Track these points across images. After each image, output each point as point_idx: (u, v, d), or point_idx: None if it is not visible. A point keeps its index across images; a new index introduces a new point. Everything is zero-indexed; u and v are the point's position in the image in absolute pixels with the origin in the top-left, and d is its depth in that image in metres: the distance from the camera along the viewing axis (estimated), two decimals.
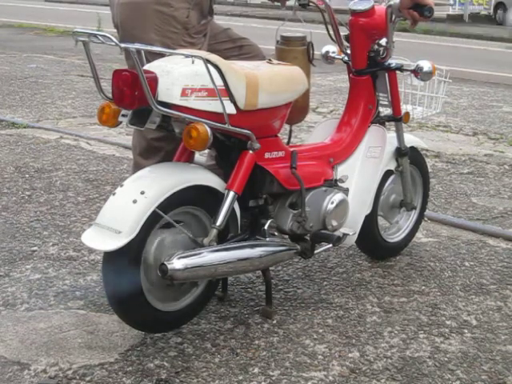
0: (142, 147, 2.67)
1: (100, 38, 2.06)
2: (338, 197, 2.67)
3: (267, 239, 2.47)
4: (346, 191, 2.74)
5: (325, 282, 2.87)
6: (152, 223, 2.20)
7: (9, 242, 3.16)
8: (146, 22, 2.48)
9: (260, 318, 2.56)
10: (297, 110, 2.64)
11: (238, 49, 2.79)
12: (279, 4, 2.87)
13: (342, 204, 2.68)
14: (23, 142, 4.94)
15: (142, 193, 2.17)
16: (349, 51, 2.83)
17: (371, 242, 3.00)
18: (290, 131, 2.88)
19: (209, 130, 2.17)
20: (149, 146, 2.63)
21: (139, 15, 2.49)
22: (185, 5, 2.49)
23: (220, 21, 2.86)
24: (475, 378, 2.24)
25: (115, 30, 2.63)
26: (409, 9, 2.65)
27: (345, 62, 2.88)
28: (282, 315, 2.58)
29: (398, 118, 2.92)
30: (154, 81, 2.14)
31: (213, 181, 2.36)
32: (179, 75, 2.17)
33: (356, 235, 2.77)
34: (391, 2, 2.68)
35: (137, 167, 2.58)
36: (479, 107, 6.88)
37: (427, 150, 4.76)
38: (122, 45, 2.08)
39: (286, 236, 2.64)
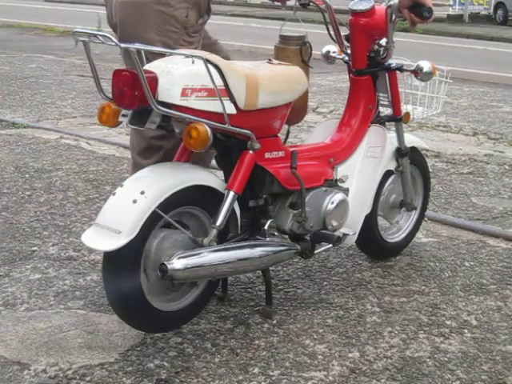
0: (141, 147, 2.67)
1: (100, 37, 2.06)
2: (338, 197, 2.67)
3: (267, 239, 2.47)
4: (346, 191, 2.74)
5: (325, 282, 2.87)
6: (152, 223, 2.20)
7: (9, 242, 3.16)
8: (147, 22, 2.48)
9: (260, 318, 2.56)
10: (295, 110, 2.64)
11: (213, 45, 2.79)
12: (279, 4, 2.88)
13: (342, 204, 2.68)
14: (23, 142, 4.94)
15: (142, 193, 2.17)
16: (349, 51, 2.83)
17: (371, 242, 3.00)
18: (288, 132, 2.88)
19: (209, 130, 2.17)
20: (148, 146, 2.63)
21: (139, 15, 2.48)
22: (184, 4, 2.49)
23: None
24: (475, 378, 2.24)
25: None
26: (408, 9, 2.65)
27: (345, 62, 2.88)
28: (281, 315, 2.58)
29: (398, 118, 2.92)
30: (154, 81, 2.14)
31: (213, 181, 2.36)
32: (179, 75, 2.17)
33: (356, 235, 2.77)
34: (391, 2, 2.68)
35: (136, 167, 2.58)
36: (479, 107, 6.88)
37: (427, 150, 4.76)
38: (122, 45, 2.08)
39: (286, 236, 2.64)
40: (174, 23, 2.49)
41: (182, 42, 2.50)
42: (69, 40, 10.23)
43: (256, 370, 2.23)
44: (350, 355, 2.34)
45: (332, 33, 2.81)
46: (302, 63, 2.72)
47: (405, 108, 2.98)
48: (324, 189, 2.67)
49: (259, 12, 19.62)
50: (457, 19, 19.21)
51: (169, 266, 2.17)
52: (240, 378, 2.19)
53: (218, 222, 2.30)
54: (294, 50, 2.73)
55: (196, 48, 2.53)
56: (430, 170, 3.50)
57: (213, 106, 2.21)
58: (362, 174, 2.81)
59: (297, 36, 2.76)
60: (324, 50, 2.97)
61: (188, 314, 2.43)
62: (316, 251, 2.72)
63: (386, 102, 2.90)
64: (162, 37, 2.48)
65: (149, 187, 2.21)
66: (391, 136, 2.90)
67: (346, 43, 2.83)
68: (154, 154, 2.62)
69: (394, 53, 2.81)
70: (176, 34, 2.50)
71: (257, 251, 2.40)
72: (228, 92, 2.23)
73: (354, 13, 2.74)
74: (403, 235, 3.15)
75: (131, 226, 2.13)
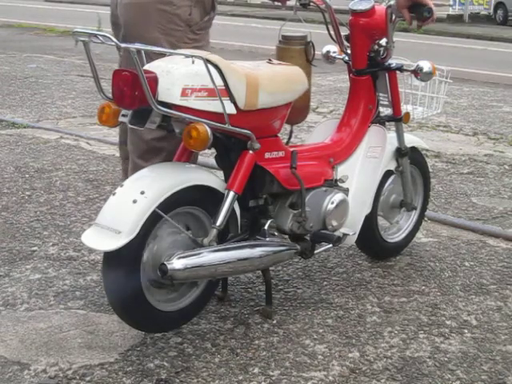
0: (141, 149, 2.64)
1: (100, 37, 2.06)
2: (338, 197, 2.67)
3: (267, 239, 2.47)
4: (346, 191, 2.74)
5: (325, 282, 2.87)
6: (152, 223, 2.20)
7: (9, 242, 3.16)
8: (150, 22, 2.48)
9: (260, 318, 2.56)
10: (297, 110, 2.64)
11: None
12: (280, 4, 2.88)
13: (342, 204, 2.68)
14: (23, 142, 4.94)
15: (142, 193, 2.17)
16: (349, 51, 2.83)
17: (371, 242, 3.00)
18: (291, 132, 2.88)
19: (209, 130, 2.17)
20: (149, 148, 2.61)
21: (143, 15, 2.49)
22: (187, 2, 2.50)
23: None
24: (475, 378, 2.24)
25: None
26: (408, 9, 2.64)
27: (345, 62, 2.88)
28: (282, 315, 2.58)
29: (398, 118, 2.92)
30: (154, 81, 2.14)
31: (213, 181, 2.36)
32: (179, 75, 2.17)
33: (356, 235, 2.77)
34: (391, 2, 2.68)
35: (136, 170, 2.53)
36: (479, 107, 6.88)
37: (427, 150, 4.75)
38: (122, 45, 2.08)
39: (286, 236, 2.64)
40: (178, 21, 2.50)
41: (186, 40, 2.51)
42: (69, 40, 10.24)
43: (256, 370, 2.23)
44: (350, 355, 2.34)
45: (332, 33, 2.81)
46: (306, 63, 2.72)
47: (405, 108, 2.98)
48: (324, 189, 2.67)
49: (259, 12, 19.62)
50: (457, 19, 19.21)
51: (169, 266, 2.17)
52: (240, 377, 2.19)
53: (218, 222, 2.30)
54: (299, 50, 2.73)
55: (204, 45, 2.54)
56: (430, 169, 3.50)
57: (213, 105, 2.21)
58: (362, 174, 2.81)
59: (299, 36, 2.76)
60: (324, 50, 2.97)
61: (188, 314, 2.43)
62: (316, 251, 2.72)
63: (385, 102, 2.90)
64: (165, 35, 2.48)
65: (149, 187, 2.21)
66: (391, 136, 2.90)
67: (346, 43, 2.83)
68: (156, 156, 2.60)
69: (393, 53, 2.81)
70: (180, 33, 2.51)
71: (257, 251, 2.40)
72: (228, 92, 2.23)
73: (354, 13, 2.74)
74: (403, 235, 3.15)
75: (131, 226, 2.13)
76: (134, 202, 2.16)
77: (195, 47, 2.49)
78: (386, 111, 2.95)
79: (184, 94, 2.16)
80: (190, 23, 2.52)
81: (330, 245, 2.70)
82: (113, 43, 2.03)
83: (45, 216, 3.50)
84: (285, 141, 2.79)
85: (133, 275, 2.19)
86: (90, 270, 2.90)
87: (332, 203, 2.65)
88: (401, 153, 2.93)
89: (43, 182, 4.03)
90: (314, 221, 2.63)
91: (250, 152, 2.38)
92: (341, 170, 2.78)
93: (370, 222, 2.87)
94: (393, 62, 2.83)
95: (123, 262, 2.17)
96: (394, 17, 2.72)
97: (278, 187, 2.51)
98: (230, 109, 2.25)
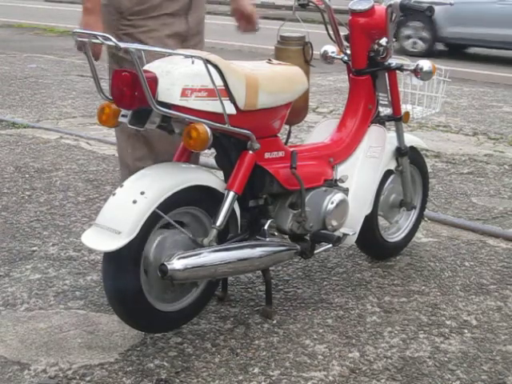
0: (136, 153, 2.65)
1: (99, 38, 2.06)
2: (338, 197, 2.67)
3: (267, 239, 2.47)
4: (346, 191, 2.74)
5: (325, 282, 2.87)
6: (152, 223, 2.20)
7: (9, 242, 3.16)
8: (103, 19, 2.49)
9: (260, 318, 2.56)
10: (296, 110, 2.64)
11: None
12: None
13: (342, 204, 2.68)
14: (23, 142, 4.94)
15: (142, 193, 2.17)
16: (348, 51, 2.83)
17: (371, 241, 3.00)
18: (289, 132, 2.88)
19: (209, 130, 2.17)
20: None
21: (102, 15, 2.51)
22: None
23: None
24: (475, 378, 2.24)
25: None
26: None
27: (344, 62, 2.88)
28: (282, 315, 2.58)
29: (397, 118, 2.92)
30: (153, 81, 2.14)
31: (213, 181, 2.36)
32: (179, 75, 2.17)
33: (356, 235, 2.77)
34: (391, 2, 2.68)
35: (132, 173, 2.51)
36: (479, 107, 6.88)
37: (427, 150, 4.76)
38: (122, 45, 2.08)
39: (286, 236, 2.64)
40: (112, 11, 2.52)
41: (120, 27, 2.51)
42: (69, 40, 10.23)
43: (256, 370, 2.23)
44: (350, 355, 2.34)
45: (331, 33, 2.81)
46: (304, 63, 2.72)
47: (404, 107, 2.98)
48: (324, 189, 2.67)
49: (259, 12, 19.54)
50: None
51: (169, 267, 2.17)
52: (240, 377, 2.19)
53: (218, 222, 2.30)
54: (296, 51, 2.73)
55: (148, 31, 2.51)
56: (430, 169, 3.51)
57: (212, 106, 2.21)
58: (361, 174, 2.81)
59: (297, 36, 2.76)
60: (322, 50, 2.97)
61: (188, 314, 2.43)
62: (316, 251, 2.72)
63: (385, 102, 2.91)
64: (109, 28, 2.48)
65: (149, 187, 2.21)
66: (391, 136, 2.91)
67: (345, 43, 2.83)
68: (149, 158, 2.59)
69: (393, 52, 2.81)
70: (115, 22, 2.52)
71: (257, 251, 2.40)
72: (228, 92, 2.23)
73: (354, 13, 2.75)
74: (403, 235, 3.15)
75: (131, 227, 2.13)
76: (134, 202, 2.16)
77: (133, 33, 2.48)
78: (385, 111, 2.95)
79: (184, 94, 2.16)
80: (121, 10, 2.51)
81: (330, 245, 2.71)
82: (112, 43, 2.03)
83: (45, 216, 3.50)
84: (283, 141, 2.78)
85: (133, 275, 2.19)
86: (90, 270, 2.91)
87: (332, 203, 2.65)
88: (401, 152, 2.93)
89: (43, 182, 4.03)
90: (313, 221, 2.63)
91: (250, 152, 2.38)
92: (341, 170, 2.78)
93: (370, 221, 2.87)
94: (392, 61, 2.84)
95: (123, 262, 2.17)
96: (394, 16, 2.72)
97: (277, 187, 2.51)
98: (230, 109, 2.25)
